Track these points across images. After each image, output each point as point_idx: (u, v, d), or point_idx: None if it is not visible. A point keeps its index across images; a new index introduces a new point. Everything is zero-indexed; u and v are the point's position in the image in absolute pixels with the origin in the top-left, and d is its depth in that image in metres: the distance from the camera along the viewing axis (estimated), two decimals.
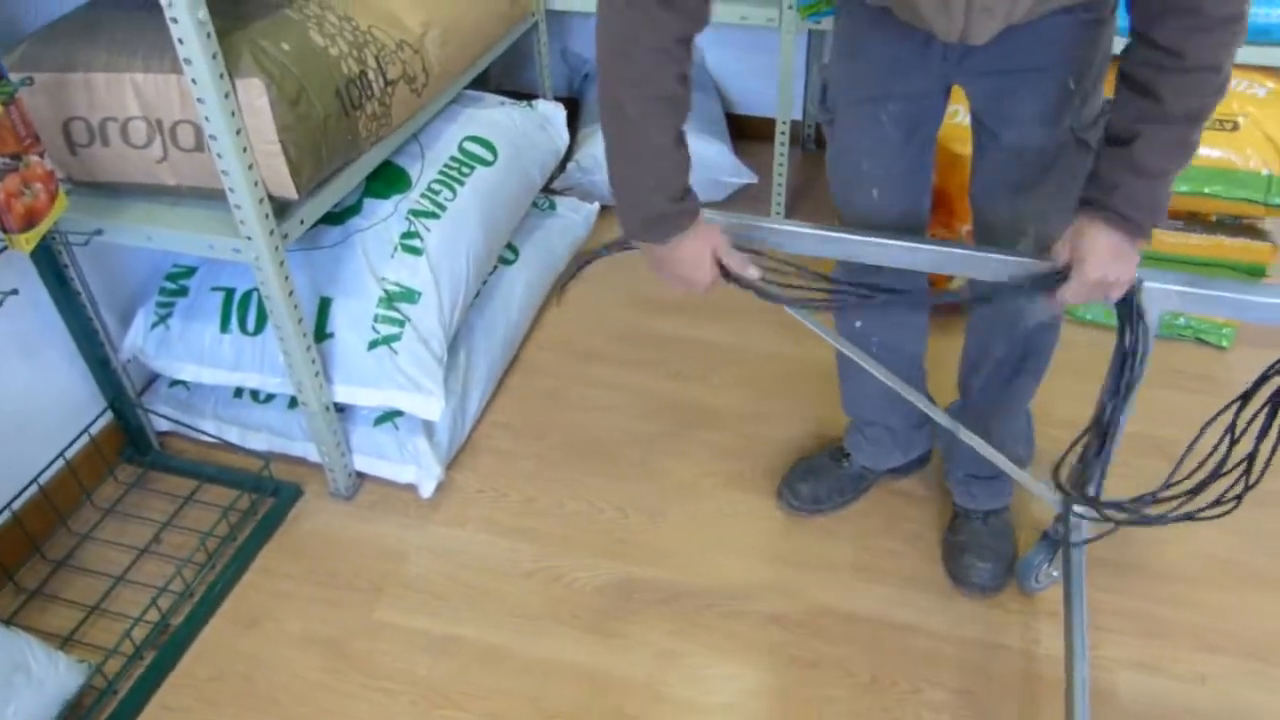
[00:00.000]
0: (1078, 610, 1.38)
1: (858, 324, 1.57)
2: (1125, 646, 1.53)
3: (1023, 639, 1.55)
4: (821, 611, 1.60)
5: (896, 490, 1.81)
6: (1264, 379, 1.25)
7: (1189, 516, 1.34)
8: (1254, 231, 2.03)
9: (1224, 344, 2.12)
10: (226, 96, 1.35)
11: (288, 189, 1.47)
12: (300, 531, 1.76)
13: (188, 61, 1.30)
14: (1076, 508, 1.44)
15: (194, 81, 1.32)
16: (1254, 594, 1.62)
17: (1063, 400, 1.75)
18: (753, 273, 1.25)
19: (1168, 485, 1.34)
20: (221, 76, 1.33)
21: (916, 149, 1.39)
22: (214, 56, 1.31)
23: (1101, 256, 1.15)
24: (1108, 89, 1.27)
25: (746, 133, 2.80)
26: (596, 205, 2.47)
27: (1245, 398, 1.27)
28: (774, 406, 2.01)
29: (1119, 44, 1.32)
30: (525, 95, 2.35)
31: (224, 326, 1.78)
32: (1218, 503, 1.30)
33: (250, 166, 1.41)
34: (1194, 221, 2.06)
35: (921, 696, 1.48)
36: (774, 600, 1.62)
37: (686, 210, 1.19)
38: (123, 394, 1.83)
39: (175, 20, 1.27)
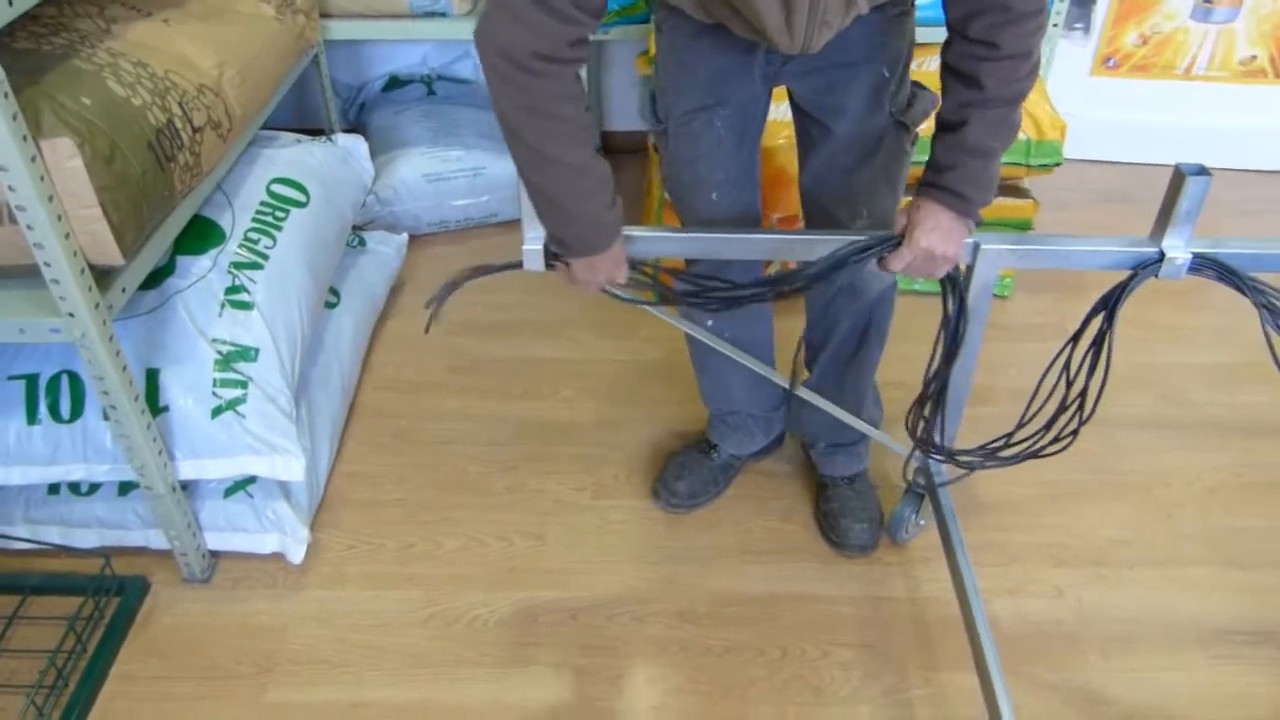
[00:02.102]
0: (959, 550, 1.50)
1: (709, 322, 1.62)
2: (992, 577, 1.68)
3: (905, 587, 1.67)
4: (721, 599, 1.65)
5: (760, 472, 1.89)
6: (1087, 321, 1.41)
7: (1035, 454, 1.48)
8: (1018, 191, 2.27)
9: (1005, 294, 2.36)
10: (34, 160, 1.21)
11: (111, 255, 1.34)
12: (159, 626, 1.61)
13: None
14: (936, 459, 1.56)
15: None
16: (1082, 509, 1.82)
17: (893, 364, 1.88)
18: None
19: (1020, 426, 1.48)
20: (25, 139, 1.20)
21: (748, 150, 1.47)
22: (14, 117, 1.18)
23: (931, 229, 1.26)
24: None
25: None
26: (405, 236, 2.40)
27: (1074, 340, 1.42)
28: (627, 412, 2.04)
29: (921, 34, 1.46)
30: (306, 132, 2.24)
31: (31, 418, 1.59)
32: (1056, 439, 1.45)
33: (67, 235, 1.28)
34: None
35: (831, 659, 1.55)
36: (675, 597, 1.65)
37: (619, 213, 1.27)
38: None
39: None
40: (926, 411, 1.46)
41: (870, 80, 1.35)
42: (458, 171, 2.54)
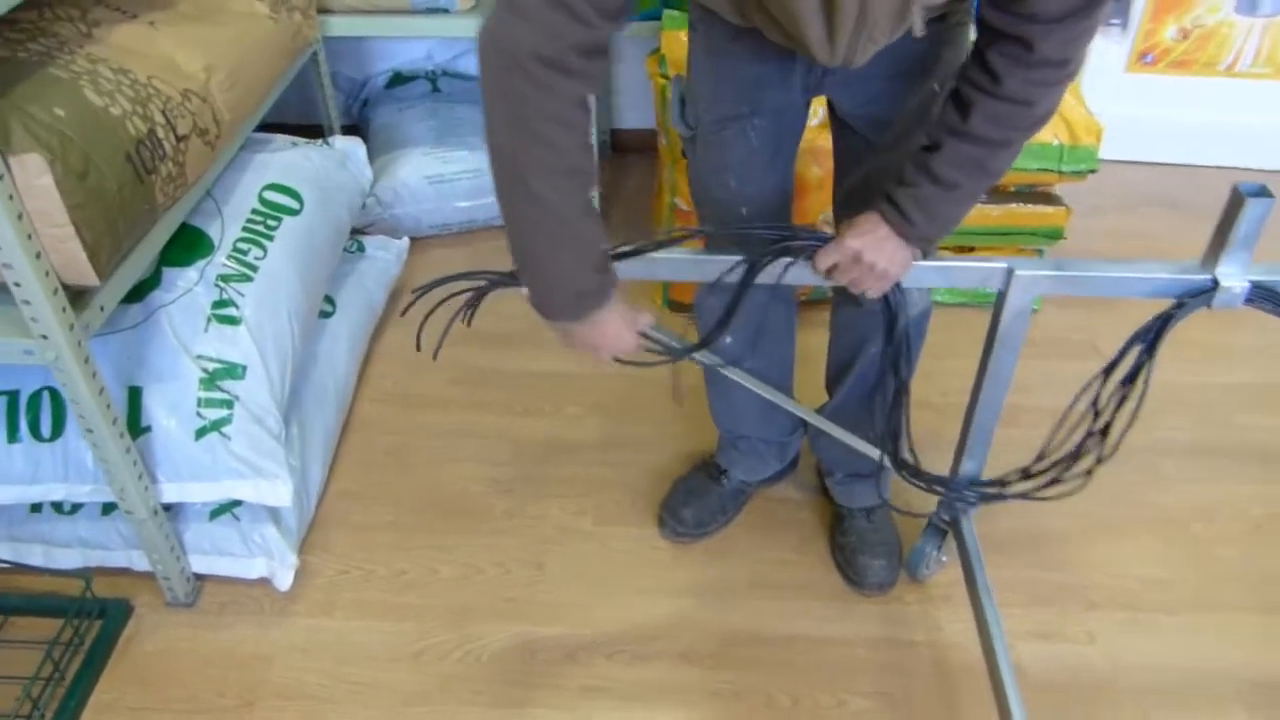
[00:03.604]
0: (984, 592, 1.40)
1: (728, 339, 1.53)
2: (1019, 619, 1.58)
3: (925, 629, 1.58)
4: (729, 639, 1.56)
5: (773, 498, 1.80)
6: (1124, 352, 1.30)
7: (1034, 496, 1.35)
8: (1049, 198, 2.16)
9: (1035, 307, 2.24)
10: (1, 178, 1.13)
11: (86, 275, 1.26)
12: (141, 653, 1.54)
13: None
14: (916, 485, 1.43)
15: None
16: (1113, 545, 1.72)
17: (915, 380, 1.79)
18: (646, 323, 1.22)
19: (1038, 459, 1.36)
20: None
21: (783, 163, 1.37)
22: None
23: (866, 235, 1.16)
24: None
25: None
26: (406, 240, 2.32)
27: (1108, 371, 1.31)
28: (632, 431, 1.95)
29: None
30: (304, 131, 2.15)
31: (11, 436, 1.52)
32: (1053, 482, 1.30)
33: (38, 255, 1.20)
34: (994, 194, 2.17)
35: (846, 709, 1.46)
36: (680, 635, 1.56)
37: (608, 282, 1.12)
38: None
39: None
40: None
41: (919, 95, 1.25)
42: (461, 173, 2.45)
